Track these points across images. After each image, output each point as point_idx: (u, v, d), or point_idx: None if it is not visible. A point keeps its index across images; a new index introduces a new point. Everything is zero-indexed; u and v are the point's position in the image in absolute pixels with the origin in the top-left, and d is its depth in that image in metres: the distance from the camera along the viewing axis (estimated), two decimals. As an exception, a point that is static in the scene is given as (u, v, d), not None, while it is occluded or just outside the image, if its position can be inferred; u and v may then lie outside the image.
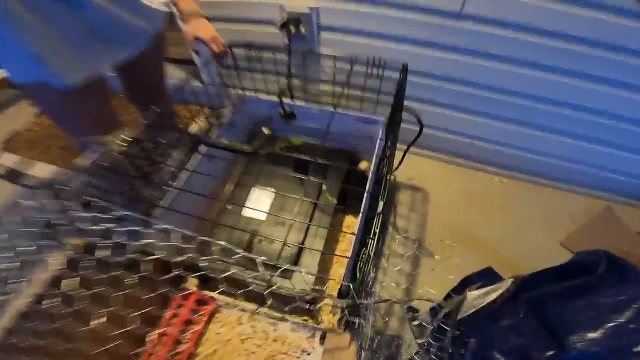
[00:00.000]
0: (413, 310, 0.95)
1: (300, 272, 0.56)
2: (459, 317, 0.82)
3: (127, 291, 0.63)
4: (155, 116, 0.75)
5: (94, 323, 0.62)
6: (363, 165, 1.04)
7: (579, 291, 0.83)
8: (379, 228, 0.64)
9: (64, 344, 0.57)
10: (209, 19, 0.84)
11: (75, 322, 0.58)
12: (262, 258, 0.48)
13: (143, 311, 0.70)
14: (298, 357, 0.76)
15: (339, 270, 1.00)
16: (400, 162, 1.02)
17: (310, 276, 0.87)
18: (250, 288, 0.64)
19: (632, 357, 0.71)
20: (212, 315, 0.83)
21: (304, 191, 1.01)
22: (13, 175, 1.48)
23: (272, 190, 1.00)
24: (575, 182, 1.25)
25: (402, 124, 0.87)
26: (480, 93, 1.11)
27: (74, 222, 0.54)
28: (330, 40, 1.14)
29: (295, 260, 0.90)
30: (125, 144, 0.61)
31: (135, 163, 0.71)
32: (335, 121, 1.00)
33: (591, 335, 0.75)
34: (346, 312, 0.58)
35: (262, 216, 0.96)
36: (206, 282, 0.83)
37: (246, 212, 0.97)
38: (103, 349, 0.63)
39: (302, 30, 1.09)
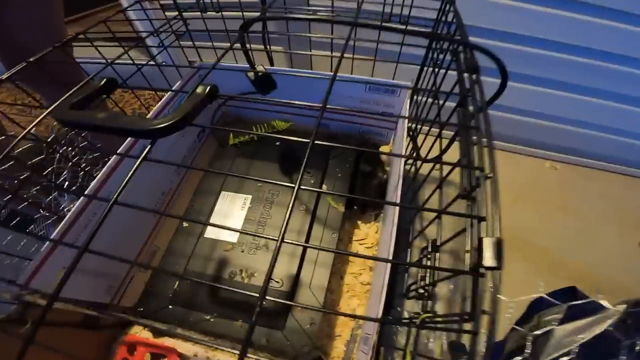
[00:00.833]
0: (458, 348, 0.67)
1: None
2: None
3: None
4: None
5: None
6: (384, 150, 0.75)
7: None
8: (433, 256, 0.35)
9: None
10: None
11: None
12: None
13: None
14: None
15: (350, 302, 0.71)
16: (448, 146, 0.72)
17: (310, 324, 0.58)
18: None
19: None
20: None
21: (295, 196, 0.71)
22: None
23: (248, 197, 0.70)
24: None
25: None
26: (523, 49, 0.82)
27: None
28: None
29: (289, 298, 0.60)
30: None
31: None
32: (336, 92, 0.71)
33: None
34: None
35: (234, 236, 0.66)
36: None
37: (210, 232, 0.67)
38: None
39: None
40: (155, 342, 0.60)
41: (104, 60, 0.49)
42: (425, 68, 0.61)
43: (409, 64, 0.63)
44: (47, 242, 0.46)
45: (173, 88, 0.69)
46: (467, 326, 0.23)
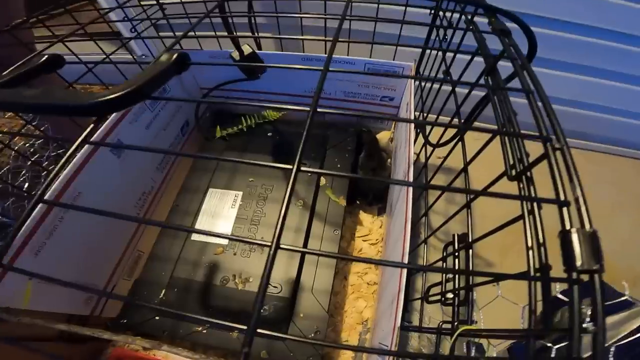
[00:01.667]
0: (477, 348, 0.61)
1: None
2: None
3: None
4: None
5: None
6: (384, 137, 0.68)
7: None
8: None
9: None
10: None
11: None
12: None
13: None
14: None
15: (357, 304, 0.65)
16: (472, 114, 0.65)
17: (315, 333, 0.52)
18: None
19: None
20: None
21: (292, 190, 0.65)
22: None
23: (238, 194, 0.63)
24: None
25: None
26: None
27: None
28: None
29: (290, 306, 0.54)
30: None
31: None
32: (333, 75, 0.64)
33: None
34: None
35: (224, 239, 0.59)
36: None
37: (198, 234, 0.60)
38: None
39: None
40: (144, 355, 0.54)
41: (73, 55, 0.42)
42: (432, 40, 0.55)
43: (411, 47, 0.57)
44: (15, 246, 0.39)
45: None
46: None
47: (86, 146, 0.46)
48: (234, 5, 0.50)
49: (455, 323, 0.29)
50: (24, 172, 0.46)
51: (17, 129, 0.55)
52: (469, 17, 0.42)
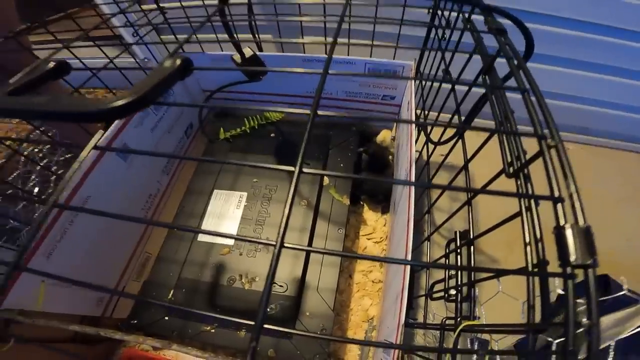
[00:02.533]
0: (481, 342, 0.62)
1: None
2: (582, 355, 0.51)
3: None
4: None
5: None
6: (383, 136, 0.69)
7: None
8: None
9: None
10: None
11: None
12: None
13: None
14: None
15: (363, 302, 0.65)
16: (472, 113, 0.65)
17: (321, 330, 0.53)
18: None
19: None
20: None
21: (294, 191, 0.65)
22: None
23: (243, 194, 0.64)
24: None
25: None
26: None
27: None
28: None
29: (295, 305, 0.55)
30: None
31: None
32: (333, 76, 0.65)
33: None
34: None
35: (231, 239, 0.60)
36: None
37: (205, 235, 0.60)
38: None
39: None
40: (154, 355, 0.55)
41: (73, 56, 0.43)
42: (431, 39, 0.55)
43: (409, 48, 0.57)
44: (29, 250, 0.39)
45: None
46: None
47: (93, 151, 0.47)
48: (234, 8, 0.51)
49: (458, 319, 0.30)
50: (33, 177, 0.47)
51: (24, 134, 0.56)
52: (467, 16, 0.42)
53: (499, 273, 0.22)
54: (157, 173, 0.67)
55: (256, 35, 0.65)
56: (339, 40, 0.30)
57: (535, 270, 0.17)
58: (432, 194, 0.87)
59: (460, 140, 0.40)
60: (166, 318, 0.56)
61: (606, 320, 0.54)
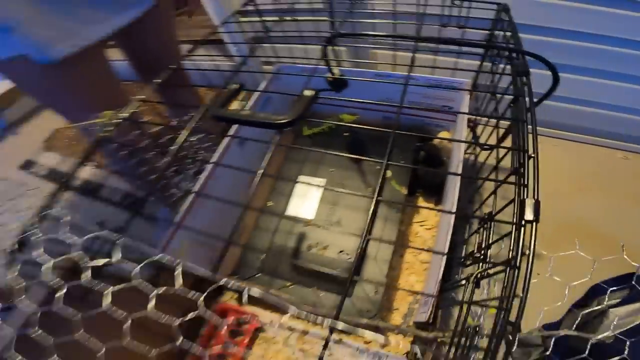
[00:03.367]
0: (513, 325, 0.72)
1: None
2: (593, 340, 0.60)
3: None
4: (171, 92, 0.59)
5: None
6: (444, 135, 0.81)
7: None
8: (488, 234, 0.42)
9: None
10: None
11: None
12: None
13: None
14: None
15: (409, 278, 0.79)
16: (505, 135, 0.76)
17: (374, 293, 0.68)
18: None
19: None
20: (255, 336, 0.69)
21: (362, 180, 0.81)
22: (54, 175, 1.46)
23: (322, 180, 0.81)
24: None
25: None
26: (594, 46, 0.82)
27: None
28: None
29: (357, 269, 0.70)
30: (113, 126, 0.45)
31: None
32: (401, 89, 0.78)
33: None
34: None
35: (311, 214, 0.77)
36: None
37: (290, 210, 0.79)
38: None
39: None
40: (240, 309, 0.70)
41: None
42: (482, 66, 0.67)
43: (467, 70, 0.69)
44: (180, 215, 0.60)
45: (260, 87, 0.82)
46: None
47: (227, 138, 0.67)
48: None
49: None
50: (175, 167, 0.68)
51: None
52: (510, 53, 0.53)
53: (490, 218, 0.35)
54: (259, 159, 0.87)
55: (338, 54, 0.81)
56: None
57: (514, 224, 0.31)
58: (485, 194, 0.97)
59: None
60: (258, 275, 0.75)
61: (623, 310, 0.62)
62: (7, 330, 0.36)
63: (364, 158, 0.57)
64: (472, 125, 0.72)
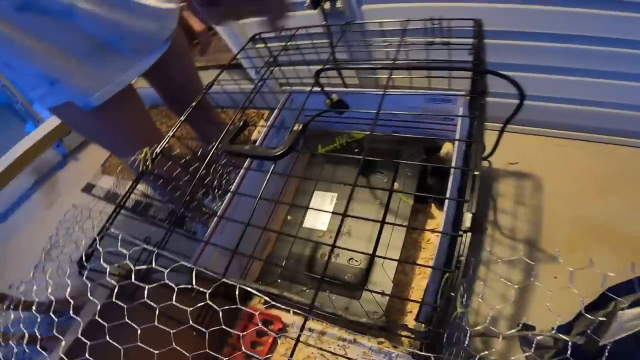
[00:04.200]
0: (527, 327, 0.75)
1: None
2: (603, 342, 0.62)
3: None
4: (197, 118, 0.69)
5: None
6: (446, 149, 0.86)
7: None
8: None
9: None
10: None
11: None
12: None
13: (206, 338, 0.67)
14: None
15: (421, 283, 0.85)
16: (496, 144, 0.81)
17: (381, 296, 0.74)
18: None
19: None
20: (277, 336, 0.77)
21: (372, 192, 0.88)
22: (110, 196, 1.67)
23: (335, 194, 0.90)
24: None
25: (493, 98, 0.68)
26: (599, 49, 0.83)
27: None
28: (378, 11, 0.98)
29: (365, 276, 0.78)
30: (149, 161, 0.57)
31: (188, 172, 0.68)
32: (400, 104, 0.85)
33: None
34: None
35: (324, 226, 0.86)
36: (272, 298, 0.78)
37: (307, 223, 0.88)
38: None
39: (339, 4, 0.96)
40: (266, 312, 0.78)
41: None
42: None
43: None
44: (209, 231, 0.71)
45: (274, 113, 0.93)
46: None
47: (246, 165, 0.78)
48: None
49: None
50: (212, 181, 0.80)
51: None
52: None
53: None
54: (278, 179, 0.97)
55: (342, 79, 0.90)
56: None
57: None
58: (500, 199, 1.00)
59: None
60: (279, 281, 0.84)
61: (635, 311, 0.63)
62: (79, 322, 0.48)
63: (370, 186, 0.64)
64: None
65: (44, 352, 0.57)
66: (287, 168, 1.02)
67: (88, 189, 1.77)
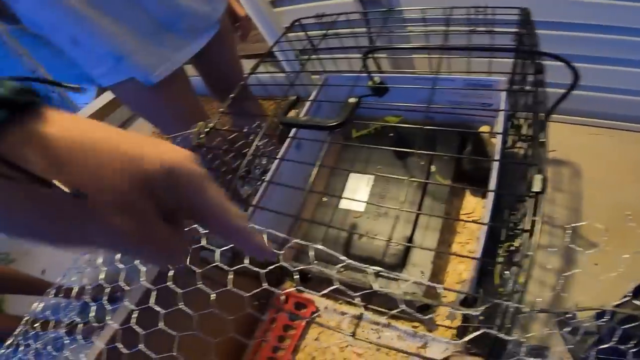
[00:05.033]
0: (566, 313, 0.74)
1: (406, 279, 0.45)
2: None
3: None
4: (238, 104, 0.72)
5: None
6: (484, 130, 0.86)
7: None
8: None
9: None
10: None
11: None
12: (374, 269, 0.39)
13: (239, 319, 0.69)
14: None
15: (457, 267, 0.85)
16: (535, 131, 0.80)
17: (421, 277, 0.75)
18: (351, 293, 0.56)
19: None
20: (310, 320, 0.79)
21: (408, 175, 0.89)
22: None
23: (371, 176, 0.91)
24: None
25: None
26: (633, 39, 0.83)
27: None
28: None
29: (404, 257, 0.79)
30: (204, 134, 0.59)
31: (224, 157, 0.70)
32: (438, 90, 0.85)
33: None
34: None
35: (361, 207, 0.87)
36: (305, 281, 0.79)
37: (343, 204, 0.89)
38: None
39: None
40: (299, 295, 0.80)
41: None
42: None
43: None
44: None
45: (311, 97, 0.94)
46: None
47: (288, 140, 0.79)
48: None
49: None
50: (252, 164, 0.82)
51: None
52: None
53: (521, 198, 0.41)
54: (313, 157, 0.98)
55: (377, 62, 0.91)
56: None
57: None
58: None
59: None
60: (315, 262, 0.86)
61: None
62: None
63: (407, 150, 0.65)
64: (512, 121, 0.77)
65: (85, 341, 0.55)
66: (320, 151, 1.03)
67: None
